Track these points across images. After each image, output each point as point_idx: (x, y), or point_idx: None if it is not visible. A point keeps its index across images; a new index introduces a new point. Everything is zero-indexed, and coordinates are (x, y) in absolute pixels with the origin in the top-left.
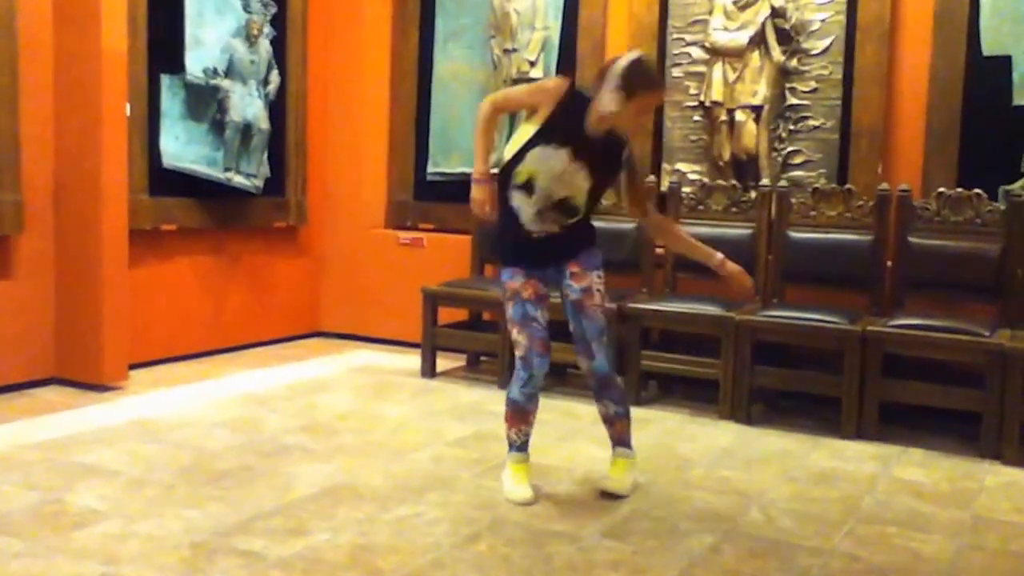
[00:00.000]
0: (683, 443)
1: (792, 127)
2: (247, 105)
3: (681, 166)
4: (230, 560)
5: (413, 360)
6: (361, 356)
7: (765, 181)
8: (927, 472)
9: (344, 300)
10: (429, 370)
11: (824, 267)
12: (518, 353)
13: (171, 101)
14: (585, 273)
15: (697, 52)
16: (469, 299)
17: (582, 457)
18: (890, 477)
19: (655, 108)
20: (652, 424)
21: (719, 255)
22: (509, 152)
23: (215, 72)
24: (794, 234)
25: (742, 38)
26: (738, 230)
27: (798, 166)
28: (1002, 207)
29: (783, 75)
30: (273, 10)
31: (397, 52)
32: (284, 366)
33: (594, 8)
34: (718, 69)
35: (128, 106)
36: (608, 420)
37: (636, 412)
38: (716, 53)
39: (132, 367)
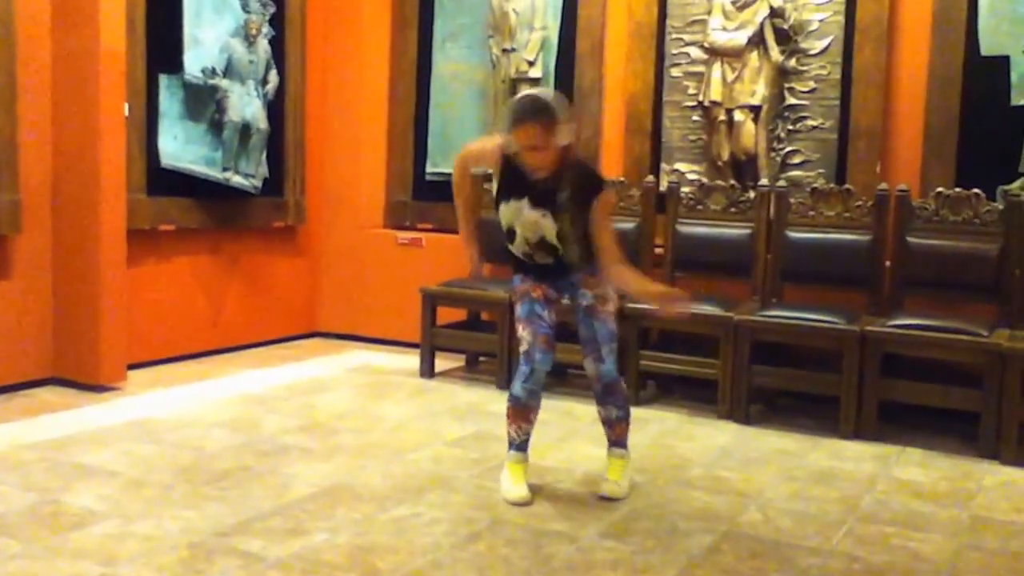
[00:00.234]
0: (682, 443)
1: (791, 127)
2: (245, 105)
3: (680, 166)
4: (228, 560)
5: (412, 360)
6: (360, 356)
7: (764, 181)
8: (926, 472)
9: (343, 300)
10: (428, 370)
11: (823, 267)
12: (521, 348)
13: (169, 101)
14: (600, 283)
15: (696, 52)
16: (468, 299)
17: (581, 457)
18: (889, 477)
19: (544, 145)
20: (651, 424)
21: (652, 288)
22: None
23: (213, 72)
24: (793, 234)
25: (741, 38)
26: (737, 230)
27: (797, 166)
28: (1000, 207)
29: (782, 75)
30: (272, 10)
31: (396, 52)
32: (283, 366)
33: (593, 8)
34: (717, 69)
35: (126, 106)
36: (608, 423)
37: (635, 412)
38: (715, 53)
39: (130, 367)
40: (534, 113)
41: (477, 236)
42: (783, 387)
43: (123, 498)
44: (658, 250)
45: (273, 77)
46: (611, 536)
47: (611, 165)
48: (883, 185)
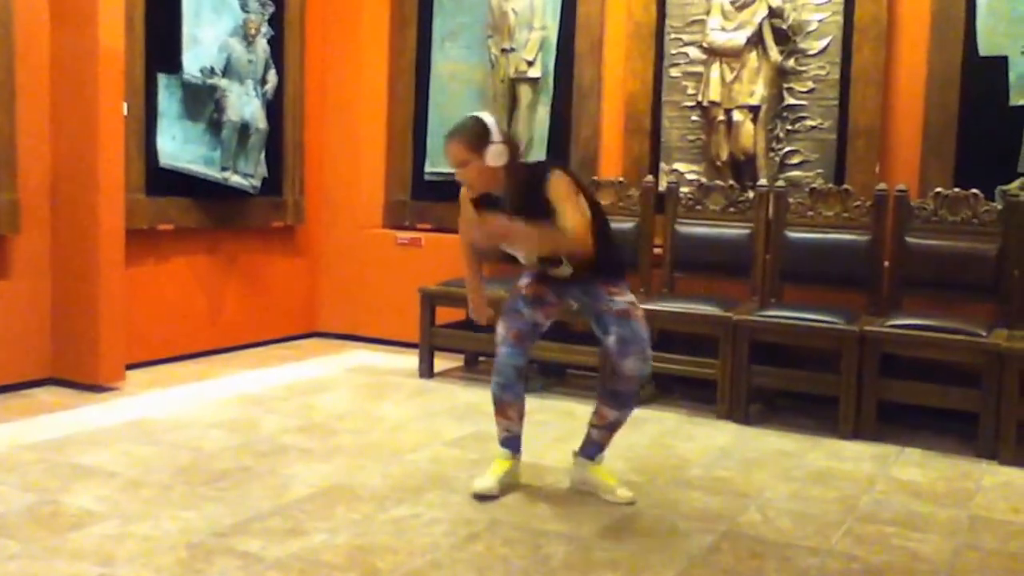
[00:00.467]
0: (681, 443)
1: (789, 127)
2: (244, 104)
3: (679, 166)
4: (227, 561)
5: (411, 360)
6: (359, 356)
7: (763, 181)
8: (924, 472)
9: (342, 300)
10: (427, 370)
11: (822, 267)
12: (496, 342)
13: (168, 100)
14: (624, 291)
15: (695, 52)
16: (467, 299)
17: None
18: (888, 477)
19: (465, 162)
20: (650, 424)
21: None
22: None
23: (212, 71)
24: (792, 234)
25: (739, 38)
26: (736, 230)
27: (795, 166)
28: (999, 207)
29: (780, 75)
30: (271, 9)
31: (395, 51)
32: (281, 366)
33: (592, 8)
34: (716, 69)
35: (125, 105)
36: (604, 426)
37: (634, 412)
38: (714, 53)
39: (129, 367)
40: (452, 133)
41: (482, 290)
42: (782, 387)
43: (122, 498)
44: (657, 250)
45: (272, 77)
46: (610, 536)
47: (610, 165)
48: (882, 185)
